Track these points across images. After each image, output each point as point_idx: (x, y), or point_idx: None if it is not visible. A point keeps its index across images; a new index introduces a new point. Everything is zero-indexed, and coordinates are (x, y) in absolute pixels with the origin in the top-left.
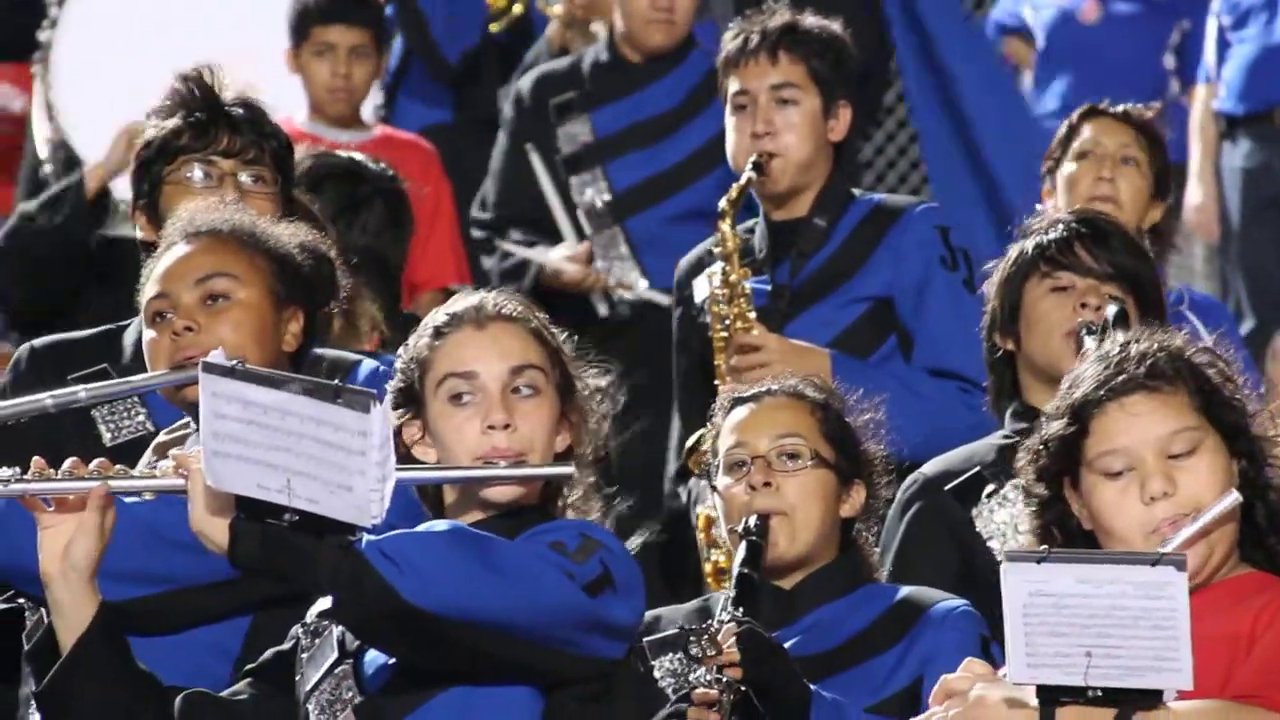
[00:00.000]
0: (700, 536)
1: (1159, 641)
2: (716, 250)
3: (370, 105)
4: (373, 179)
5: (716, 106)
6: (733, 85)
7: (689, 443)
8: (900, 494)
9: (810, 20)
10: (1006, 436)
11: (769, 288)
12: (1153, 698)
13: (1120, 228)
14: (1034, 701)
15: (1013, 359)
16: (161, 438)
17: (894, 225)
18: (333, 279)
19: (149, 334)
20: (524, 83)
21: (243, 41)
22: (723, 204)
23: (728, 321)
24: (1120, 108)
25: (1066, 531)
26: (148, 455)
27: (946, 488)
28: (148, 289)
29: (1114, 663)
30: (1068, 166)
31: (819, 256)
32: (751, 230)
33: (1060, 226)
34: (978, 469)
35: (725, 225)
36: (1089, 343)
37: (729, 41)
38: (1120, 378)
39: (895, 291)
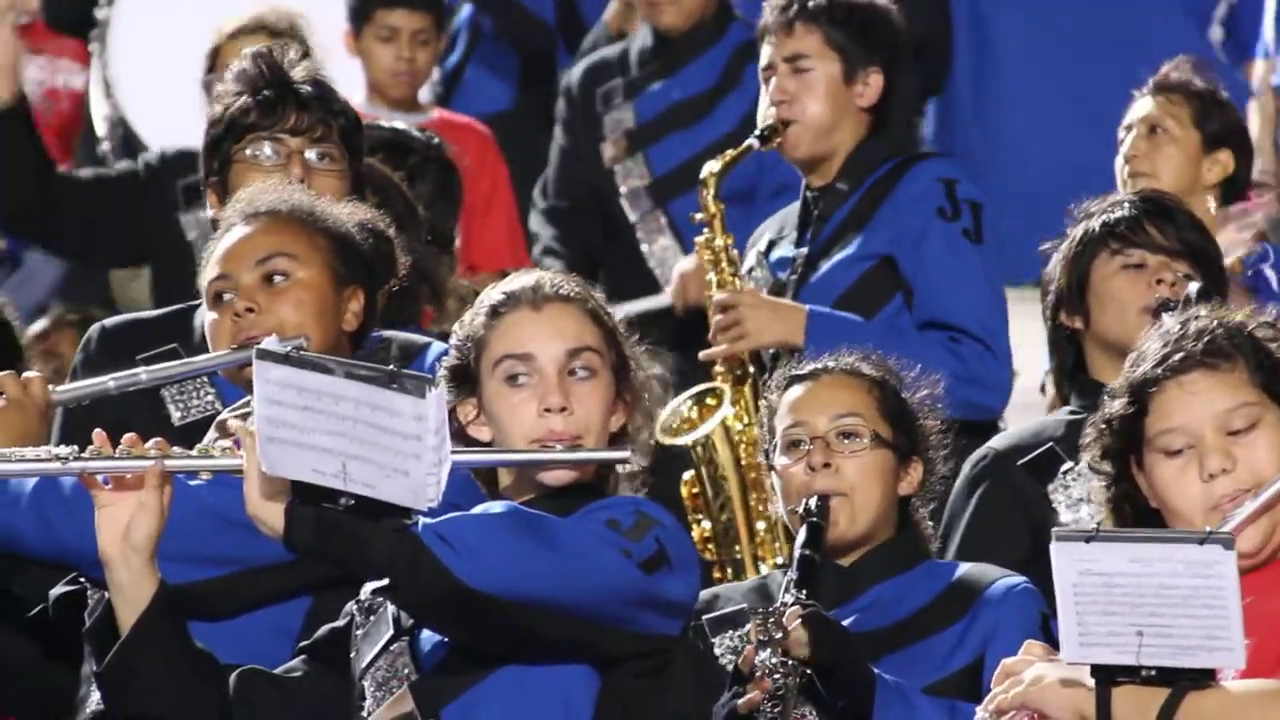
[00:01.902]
0: (687, 504)
1: (1209, 620)
2: (699, 216)
3: (426, 88)
4: (421, 148)
5: (750, 82)
6: (762, 59)
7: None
8: (967, 469)
9: None
10: (1074, 412)
11: (793, 254)
12: (1205, 676)
13: (1182, 206)
14: (1090, 681)
15: (1075, 336)
16: (224, 415)
17: (900, 180)
18: (392, 257)
19: (210, 315)
20: (573, 73)
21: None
22: (705, 171)
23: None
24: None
25: (1136, 508)
26: (211, 433)
27: (1019, 463)
28: (208, 270)
29: (1165, 642)
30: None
31: (834, 219)
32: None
33: (1126, 205)
34: (1050, 444)
35: (706, 191)
36: (1168, 320)
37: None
38: (1178, 355)
39: (895, 247)
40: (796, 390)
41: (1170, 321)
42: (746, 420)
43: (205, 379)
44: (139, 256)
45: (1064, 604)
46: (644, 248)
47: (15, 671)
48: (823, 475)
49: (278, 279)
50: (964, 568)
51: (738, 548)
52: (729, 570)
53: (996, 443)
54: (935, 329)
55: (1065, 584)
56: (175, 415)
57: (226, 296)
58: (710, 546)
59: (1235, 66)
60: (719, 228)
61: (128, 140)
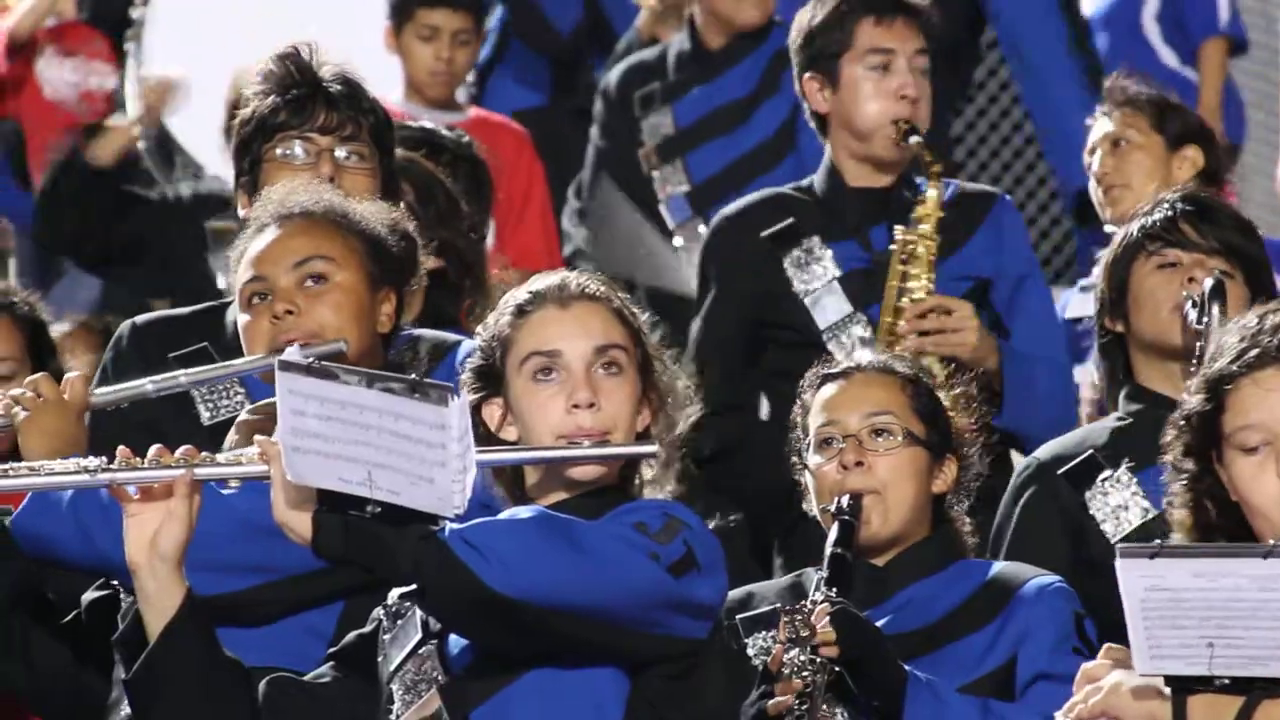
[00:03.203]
0: None
1: (1278, 633)
2: (919, 211)
3: (462, 87)
4: (451, 146)
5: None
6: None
7: None
8: (1014, 479)
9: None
10: (1120, 419)
11: (866, 254)
12: (1279, 685)
13: (1226, 205)
14: (1166, 690)
15: (1122, 341)
16: (244, 416)
17: (994, 207)
18: (415, 259)
19: (244, 317)
20: (611, 76)
21: (334, 20)
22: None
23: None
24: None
25: (1220, 503)
26: (231, 434)
27: (1059, 471)
28: (241, 272)
29: (1237, 652)
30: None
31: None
32: (806, 189)
33: (1165, 205)
34: (1090, 452)
35: (932, 192)
36: (1191, 315)
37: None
38: (1254, 351)
39: (997, 275)
40: (829, 389)
41: (1250, 316)
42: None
43: (236, 380)
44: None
45: (1132, 618)
46: (682, 255)
47: (47, 674)
48: (855, 474)
49: (315, 281)
50: (997, 567)
51: None
52: None
53: (1041, 452)
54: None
55: (1133, 599)
56: (205, 415)
57: (263, 298)
58: None
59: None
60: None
61: (161, 141)
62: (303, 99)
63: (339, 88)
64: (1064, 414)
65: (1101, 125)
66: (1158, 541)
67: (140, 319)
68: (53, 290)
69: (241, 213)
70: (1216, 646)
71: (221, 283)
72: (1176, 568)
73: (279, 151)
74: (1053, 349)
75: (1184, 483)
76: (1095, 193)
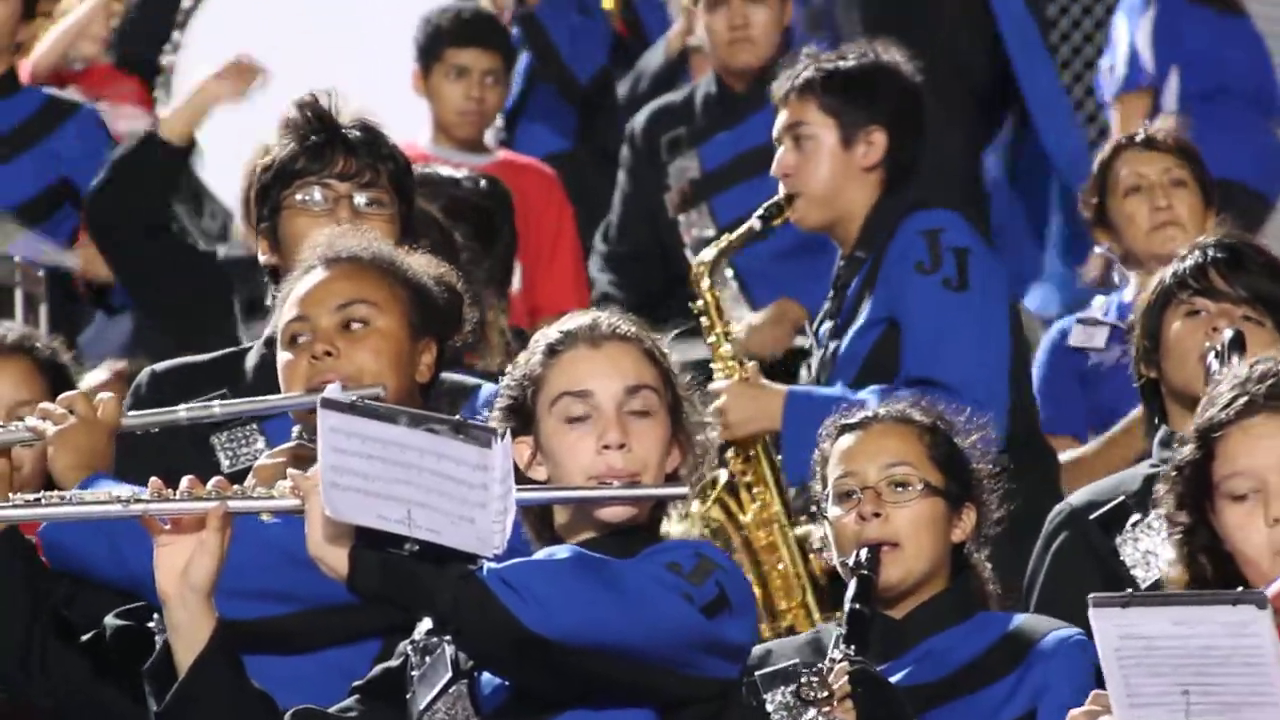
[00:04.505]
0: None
1: (1251, 679)
2: (698, 305)
3: (490, 129)
4: (467, 191)
5: None
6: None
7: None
8: (1047, 525)
9: (829, 56)
10: (1154, 465)
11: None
12: None
13: (1260, 250)
14: None
15: (1158, 387)
16: (262, 460)
17: (892, 239)
18: (461, 313)
19: (285, 356)
20: (637, 120)
21: (364, 65)
22: (697, 260)
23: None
24: (1143, 134)
25: (1214, 556)
26: (250, 479)
27: (1091, 517)
28: (285, 312)
29: (1212, 699)
30: (1120, 206)
31: (853, 286)
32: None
33: (1197, 253)
34: (1122, 498)
35: (700, 281)
36: (1214, 364)
37: None
38: (1243, 399)
39: (892, 309)
40: (847, 439)
41: (1240, 366)
42: (765, 496)
43: (255, 426)
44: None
45: (1109, 668)
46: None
47: (66, 689)
48: (874, 524)
49: (357, 325)
50: (1018, 619)
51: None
52: None
53: (1075, 498)
54: (915, 385)
55: (1108, 649)
56: (224, 463)
57: (303, 339)
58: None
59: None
60: (715, 316)
61: (192, 185)
62: (321, 145)
63: (358, 134)
64: None
65: (1157, 161)
66: (1129, 590)
67: (159, 366)
68: (83, 333)
69: (261, 258)
70: (1193, 694)
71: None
72: (1150, 616)
73: (298, 197)
74: (932, 366)
75: (1178, 538)
76: (1147, 238)
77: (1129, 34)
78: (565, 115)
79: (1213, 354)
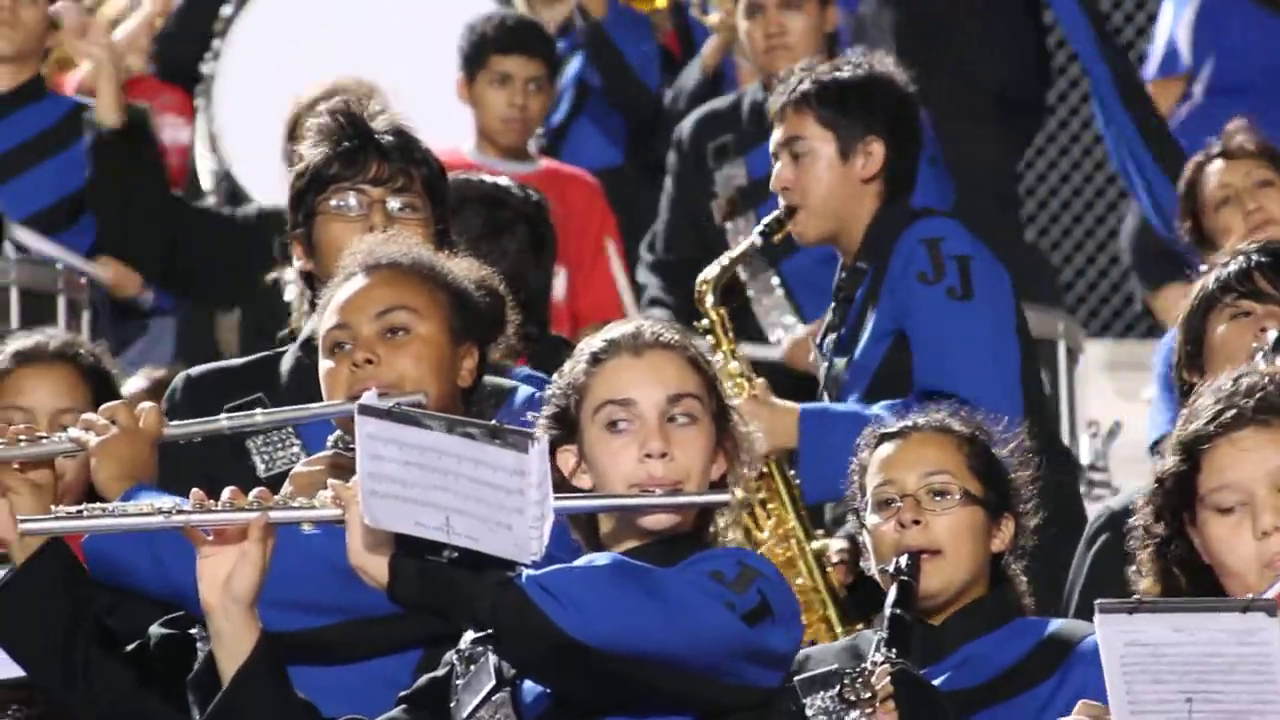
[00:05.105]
0: None
1: (1256, 687)
2: (703, 324)
3: (532, 142)
4: (515, 203)
5: None
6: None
7: None
8: (1088, 529)
9: (824, 69)
10: None
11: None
12: None
13: None
14: None
15: None
16: (299, 468)
17: (893, 250)
18: (503, 317)
19: (326, 363)
20: (684, 126)
21: (406, 72)
22: (700, 278)
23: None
24: (1219, 147)
25: (1189, 569)
26: (286, 486)
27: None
28: (326, 319)
29: (1215, 707)
30: (1215, 221)
31: (856, 298)
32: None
33: (1240, 257)
34: None
35: (704, 299)
36: (1261, 366)
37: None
38: (1230, 412)
39: (899, 320)
40: (886, 448)
41: (1223, 378)
42: (780, 513)
43: (291, 430)
44: (235, 301)
45: (1112, 675)
46: (755, 306)
47: (109, 700)
48: (913, 532)
49: (398, 333)
50: (1055, 624)
51: None
52: None
53: (1114, 502)
54: (927, 398)
55: (1112, 655)
56: (260, 467)
57: (344, 346)
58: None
59: None
60: (721, 334)
61: (233, 193)
62: (354, 151)
63: (391, 139)
64: None
65: (1240, 167)
66: (1136, 597)
67: (194, 371)
68: (134, 345)
69: (298, 264)
70: (1195, 702)
71: (290, 293)
72: (1156, 623)
73: (333, 203)
74: (941, 377)
75: (1151, 549)
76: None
77: (1172, 20)
78: (615, 130)
79: (1260, 355)
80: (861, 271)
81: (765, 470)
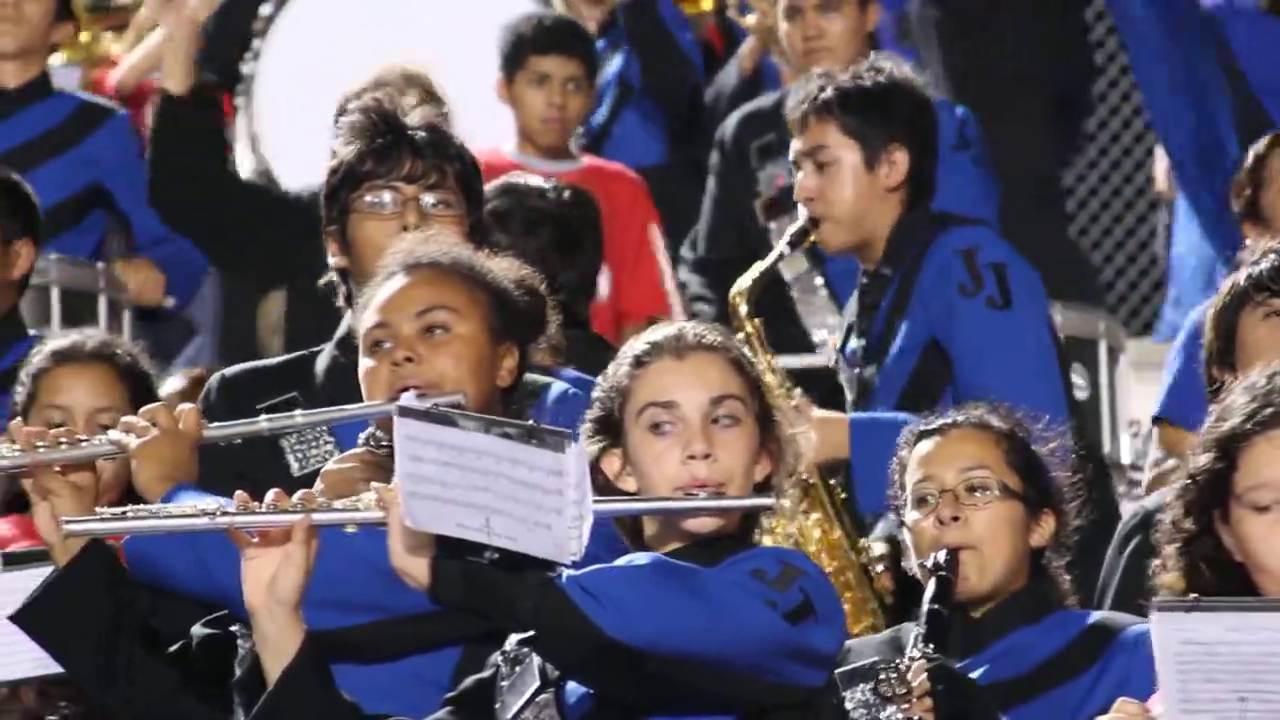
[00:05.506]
0: None
1: None
2: (741, 335)
3: (573, 141)
4: (539, 204)
5: None
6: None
7: None
8: (1120, 528)
9: (845, 76)
10: None
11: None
12: None
13: None
14: None
15: None
16: (330, 466)
17: (925, 259)
18: (544, 316)
19: (367, 362)
20: (727, 125)
21: (446, 71)
22: (734, 290)
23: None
24: None
25: (1216, 566)
26: (318, 484)
27: None
28: (366, 318)
29: (1269, 707)
30: (1274, 199)
31: (882, 306)
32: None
33: (1273, 255)
34: None
35: (739, 311)
36: (1254, 374)
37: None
38: (1267, 410)
39: (934, 330)
40: (925, 445)
41: (1256, 375)
42: (825, 525)
43: (324, 430)
44: (280, 279)
45: (1165, 673)
46: (799, 306)
47: (149, 701)
48: (952, 529)
49: (437, 332)
50: (1096, 615)
51: None
52: None
53: (1149, 500)
54: None
55: (1167, 653)
56: (294, 466)
57: (384, 345)
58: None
59: None
60: (757, 346)
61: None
62: (388, 147)
63: (424, 135)
64: None
65: None
66: (1194, 595)
67: (229, 371)
68: (185, 351)
69: (332, 261)
70: (1250, 701)
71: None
72: (1212, 622)
73: (367, 200)
74: (987, 388)
75: (1179, 544)
76: None
77: None
78: (657, 128)
79: None
80: (885, 278)
81: (812, 481)
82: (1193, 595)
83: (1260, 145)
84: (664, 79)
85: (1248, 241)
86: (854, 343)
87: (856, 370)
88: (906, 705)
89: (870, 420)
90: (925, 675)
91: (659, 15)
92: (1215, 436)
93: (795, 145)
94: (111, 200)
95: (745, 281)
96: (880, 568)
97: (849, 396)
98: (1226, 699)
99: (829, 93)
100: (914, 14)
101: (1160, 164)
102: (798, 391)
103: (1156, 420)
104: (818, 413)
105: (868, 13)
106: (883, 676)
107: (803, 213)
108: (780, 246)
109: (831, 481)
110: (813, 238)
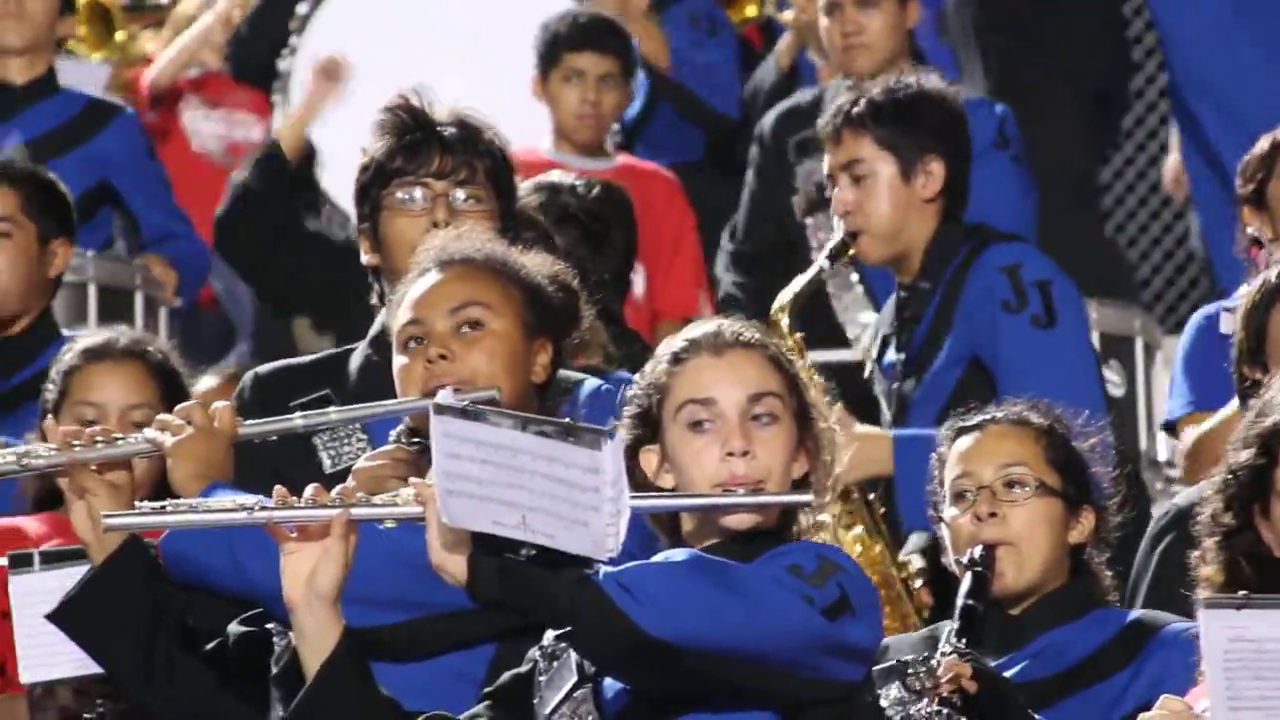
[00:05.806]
0: None
1: None
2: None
3: (609, 138)
4: (564, 201)
5: None
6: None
7: None
8: (1152, 526)
9: (876, 89)
10: None
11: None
12: None
13: None
14: None
15: (1259, 389)
16: (361, 463)
17: (969, 275)
18: (577, 311)
19: (401, 359)
20: (766, 120)
21: (483, 70)
22: (775, 305)
23: None
24: None
25: (1255, 561)
26: (350, 480)
27: None
28: (400, 315)
29: None
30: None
31: (924, 321)
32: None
33: None
34: None
35: (780, 325)
36: None
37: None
38: None
39: (977, 348)
40: (964, 441)
41: None
42: (865, 540)
43: (357, 426)
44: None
45: (1213, 671)
46: (834, 302)
47: (187, 700)
48: (989, 525)
49: (471, 328)
50: (1135, 613)
51: None
52: None
53: (1180, 499)
54: None
55: (1215, 650)
56: (327, 463)
57: (419, 341)
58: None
59: None
60: (800, 360)
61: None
62: (417, 144)
63: (454, 131)
64: None
65: None
66: (1244, 593)
67: (262, 369)
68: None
69: (364, 258)
70: None
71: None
72: (1261, 619)
73: (398, 196)
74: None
75: (1219, 538)
76: None
77: None
78: (692, 127)
79: None
80: (924, 291)
81: (855, 495)
82: (1242, 592)
83: (1276, 133)
84: (698, 126)
85: (1248, 230)
86: (892, 355)
87: (895, 384)
88: (934, 699)
89: (913, 436)
90: (955, 672)
91: (686, 90)
92: (1256, 432)
93: (829, 159)
94: (119, 198)
95: (786, 296)
96: (919, 583)
97: (885, 409)
98: (1274, 696)
99: (862, 106)
100: (951, 10)
101: (1171, 160)
102: (839, 407)
103: (1168, 427)
104: (860, 428)
105: (907, 9)
106: (911, 671)
107: (840, 226)
108: (820, 260)
109: (871, 496)
110: (852, 251)
